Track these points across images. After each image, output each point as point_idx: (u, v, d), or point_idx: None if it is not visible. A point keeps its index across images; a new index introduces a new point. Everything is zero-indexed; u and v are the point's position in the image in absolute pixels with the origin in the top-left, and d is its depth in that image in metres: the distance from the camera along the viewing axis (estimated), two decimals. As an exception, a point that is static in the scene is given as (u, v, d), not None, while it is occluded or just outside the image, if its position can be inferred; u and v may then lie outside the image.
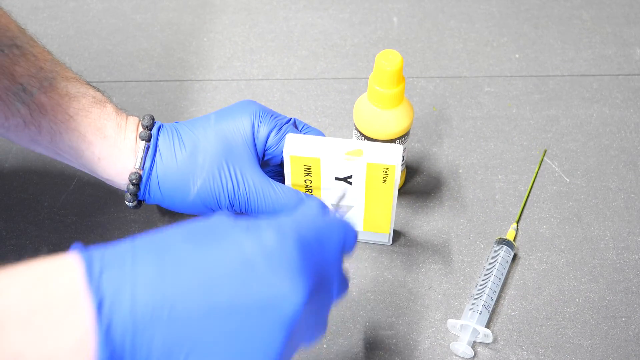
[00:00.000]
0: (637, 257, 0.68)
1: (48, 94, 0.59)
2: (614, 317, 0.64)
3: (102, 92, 0.62)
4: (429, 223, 0.70)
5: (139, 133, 0.60)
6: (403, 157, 0.69)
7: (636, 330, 0.63)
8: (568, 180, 0.74)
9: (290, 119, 0.64)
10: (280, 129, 0.62)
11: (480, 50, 0.86)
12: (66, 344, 0.38)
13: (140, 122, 0.61)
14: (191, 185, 0.60)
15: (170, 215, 0.70)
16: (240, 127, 0.61)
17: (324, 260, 0.45)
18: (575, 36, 0.87)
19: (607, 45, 0.86)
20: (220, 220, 0.44)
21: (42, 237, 0.69)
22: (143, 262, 0.41)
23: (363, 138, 0.66)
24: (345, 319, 0.64)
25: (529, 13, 0.90)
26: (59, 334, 0.38)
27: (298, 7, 0.91)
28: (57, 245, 0.68)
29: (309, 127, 0.65)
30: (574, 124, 0.78)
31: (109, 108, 0.61)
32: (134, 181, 0.60)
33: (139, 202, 0.62)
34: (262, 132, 0.61)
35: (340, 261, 0.47)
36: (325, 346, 0.62)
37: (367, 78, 0.64)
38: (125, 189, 0.61)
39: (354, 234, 0.48)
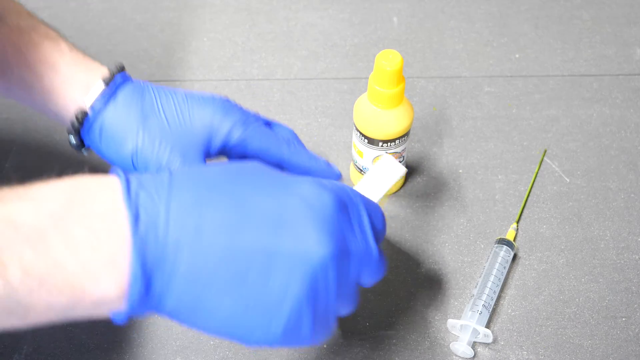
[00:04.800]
0: (637, 257, 0.68)
1: None
2: (614, 317, 0.64)
3: (57, 31, 0.61)
4: (429, 223, 0.70)
5: (102, 76, 0.59)
6: (403, 157, 0.69)
7: (636, 331, 0.63)
8: (568, 180, 0.74)
9: (259, 116, 0.62)
10: (245, 124, 0.60)
11: (480, 50, 0.86)
12: (102, 255, 0.40)
13: (108, 68, 0.60)
14: (129, 142, 0.58)
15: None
16: (201, 114, 0.59)
17: (355, 229, 0.46)
18: (575, 36, 0.87)
19: (608, 45, 0.86)
20: (260, 167, 0.46)
21: (42, 237, 0.69)
22: (179, 188, 0.43)
23: (363, 138, 0.66)
24: (345, 319, 0.64)
25: (529, 13, 0.90)
26: (97, 245, 0.40)
27: (298, 7, 0.91)
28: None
29: (278, 124, 0.64)
30: (574, 124, 0.78)
31: (62, 45, 0.60)
32: (78, 118, 0.58)
33: (82, 145, 0.61)
34: (225, 126, 0.59)
35: (369, 235, 0.47)
36: (325, 346, 0.62)
37: (367, 78, 0.64)
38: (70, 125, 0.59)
39: (381, 213, 0.50)
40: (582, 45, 0.86)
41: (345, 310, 0.48)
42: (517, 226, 0.70)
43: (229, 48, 0.86)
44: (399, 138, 0.66)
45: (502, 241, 0.67)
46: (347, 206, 0.46)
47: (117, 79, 0.59)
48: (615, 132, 0.77)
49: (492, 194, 0.72)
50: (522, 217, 0.71)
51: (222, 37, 0.87)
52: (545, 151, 0.76)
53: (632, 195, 0.72)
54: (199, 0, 0.92)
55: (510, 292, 0.65)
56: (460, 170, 0.74)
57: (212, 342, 0.62)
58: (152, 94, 0.60)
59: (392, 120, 0.64)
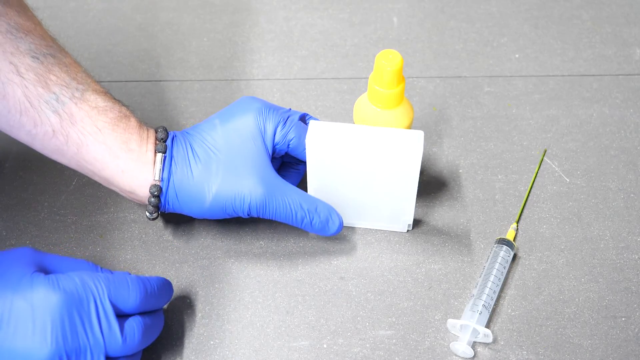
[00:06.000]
0: (636, 257, 0.68)
1: (78, 105, 0.60)
2: (613, 317, 0.64)
3: (127, 107, 0.64)
4: (429, 223, 0.70)
5: (155, 146, 0.62)
6: None
7: (636, 330, 0.63)
8: (568, 180, 0.74)
9: (290, 109, 0.65)
10: (285, 123, 0.63)
11: (480, 50, 0.86)
12: None
13: (156, 135, 0.63)
14: (207, 193, 0.62)
15: (174, 222, 0.70)
16: (246, 128, 0.62)
17: (93, 323, 0.52)
18: (575, 36, 0.87)
19: (607, 45, 0.86)
20: (12, 261, 0.53)
21: (42, 237, 0.69)
22: None
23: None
24: (345, 319, 0.64)
25: (529, 13, 0.90)
26: None
27: (298, 7, 0.91)
28: (57, 245, 0.68)
29: (311, 117, 0.67)
30: (574, 124, 0.78)
31: (133, 122, 0.63)
32: (155, 193, 0.61)
33: (158, 214, 0.64)
34: (269, 129, 0.63)
35: (105, 326, 0.53)
36: (325, 346, 0.62)
37: (367, 78, 0.64)
38: (147, 202, 0.62)
39: (136, 291, 0.55)
40: (582, 45, 0.86)
41: None
42: (517, 226, 0.70)
43: (229, 48, 0.86)
44: (399, 138, 0.66)
45: (502, 241, 0.67)
46: (83, 302, 0.52)
47: (168, 143, 0.63)
48: (615, 132, 0.77)
49: (492, 194, 0.72)
50: (522, 217, 0.71)
51: (222, 37, 0.87)
52: (545, 151, 0.76)
53: (632, 195, 0.72)
54: (199, 0, 0.92)
55: (510, 292, 0.65)
56: (460, 170, 0.74)
57: (212, 342, 0.62)
58: (197, 138, 0.63)
59: (392, 120, 0.64)
